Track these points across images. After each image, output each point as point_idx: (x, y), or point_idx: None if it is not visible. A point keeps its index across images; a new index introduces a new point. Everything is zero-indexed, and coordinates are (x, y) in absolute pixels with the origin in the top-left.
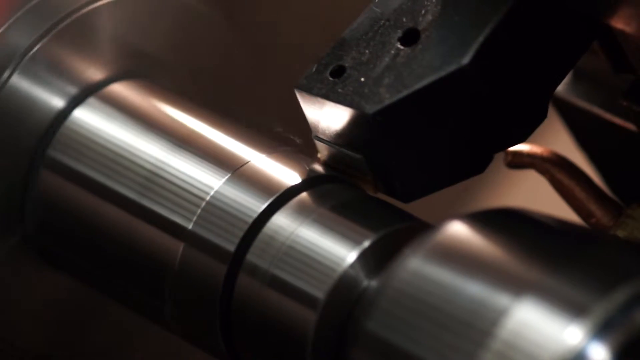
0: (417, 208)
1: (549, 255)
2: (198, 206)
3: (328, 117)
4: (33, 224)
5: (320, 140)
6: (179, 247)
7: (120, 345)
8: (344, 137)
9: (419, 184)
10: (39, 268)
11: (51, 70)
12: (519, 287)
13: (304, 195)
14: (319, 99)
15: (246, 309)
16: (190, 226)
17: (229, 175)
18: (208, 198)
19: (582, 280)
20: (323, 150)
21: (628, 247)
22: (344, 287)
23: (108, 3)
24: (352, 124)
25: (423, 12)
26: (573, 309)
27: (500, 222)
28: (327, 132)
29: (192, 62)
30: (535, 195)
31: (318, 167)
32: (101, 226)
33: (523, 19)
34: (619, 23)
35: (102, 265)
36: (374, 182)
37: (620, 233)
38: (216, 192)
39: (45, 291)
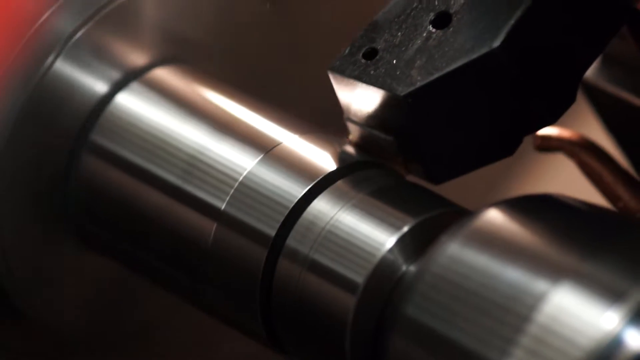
0: (455, 194)
1: (586, 241)
2: (231, 187)
3: (360, 98)
4: (75, 207)
5: (352, 122)
6: (212, 227)
7: (157, 329)
8: (376, 119)
9: (449, 165)
10: (80, 251)
11: (94, 55)
12: (556, 272)
13: (343, 180)
14: (352, 81)
15: (286, 293)
16: (223, 206)
17: (262, 155)
18: (241, 179)
19: (618, 266)
20: (354, 132)
21: None
22: (383, 272)
23: None
24: (384, 106)
25: None
26: (610, 294)
27: (538, 208)
28: (358, 114)
29: (234, 48)
30: (567, 180)
31: (351, 150)
32: (141, 209)
33: (554, 3)
34: None
35: (143, 248)
36: (404, 164)
37: None
38: (249, 172)
39: (85, 274)
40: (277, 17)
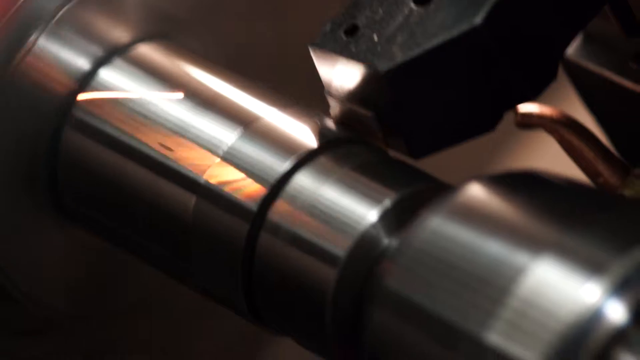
0: (438, 170)
1: (568, 216)
2: (211, 160)
3: (341, 74)
4: (58, 183)
5: (333, 97)
6: (192, 200)
7: (142, 305)
8: (356, 95)
9: (429, 140)
10: (62, 226)
11: (77, 32)
12: (537, 246)
13: (325, 156)
14: (333, 57)
15: (268, 267)
16: (203, 180)
17: (242, 129)
18: (221, 153)
19: (599, 239)
20: (335, 107)
21: None
22: (365, 246)
23: None
24: (364, 82)
25: None
26: (590, 267)
27: (520, 184)
28: (339, 89)
29: (216, 25)
30: (553, 158)
31: (332, 125)
32: (124, 184)
33: None
34: None
35: (125, 223)
36: (384, 139)
37: (627, 192)
38: (230, 147)
39: (68, 249)
40: None
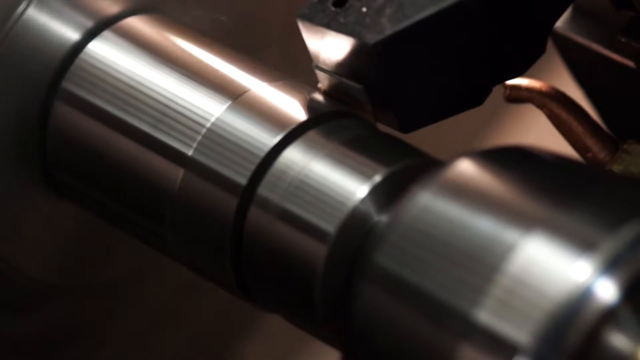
0: (428, 145)
1: (558, 193)
2: (198, 133)
3: (329, 47)
4: (47, 155)
5: (321, 69)
6: (179, 173)
7: (131, 277)
8: (345, 67)
9: (418, 114)
10: (52, 199)
11: (67, 4)
12: (527, 223)
13: (315, 130)
14: (321, 29)
15: (257, 242)
16: (190, 152)
17: (230, 102)
18: (209, 125)
19: (590, 217)
20: (324, 80)
21: (637, 186)
22: (355, 221)
23: None
24: (353, 54)
25: None
26: (581, 245)
27: (511, 160)
28: (328, 62)
29: None
30: (539, 132)
31: (321, 99)
32: (112, 157)
33: None
34: None
35: (113, 196)
36: (373, 112)
37: (616, 168)
38: (217, 119)
39: (57, 222)
40: None
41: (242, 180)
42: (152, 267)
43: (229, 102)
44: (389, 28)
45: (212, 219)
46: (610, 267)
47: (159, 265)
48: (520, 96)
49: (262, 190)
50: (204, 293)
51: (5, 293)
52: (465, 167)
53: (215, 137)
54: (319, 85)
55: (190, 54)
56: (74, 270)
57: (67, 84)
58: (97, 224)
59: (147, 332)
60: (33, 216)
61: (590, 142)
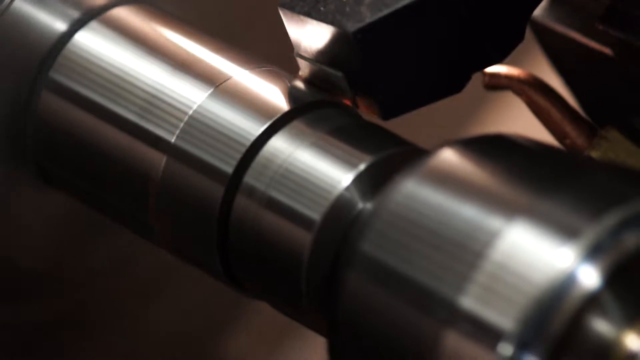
0: (413, 135)
1: (542, 180)
2: (180, 120)
3: (310, 35)
4: (35, 145)
5: (302, 57)
6: (161, 160)
7: (120, 265)
8: (325, 55)
9: (398, 101)
10: (40, 188)
11: None
12: (511, 210)
13: (300, 119)
14: (302, 17)
15: (243, 230)
16: (173, 139)
17: (212, 90)
18: (191, 112)
19: (573, 204)
20: (304, 68)
21: (618, 173)
22: (340, 209)
23: None
24: (333, 42)
25: None
26: (564, 231)
27: (494, 148)
28: (308, 50)
29: None
30: (518, 120)
31: (303, 86)
32: (98, 145)
33: None
34: None
35: (99, 185)
36: (353, 99)
37: (594, 154)
38: (200, 106)
39: (46, 211)
40: None
41: (229, 169)
42: (141, 255)
43: (211, 90)
44: (368, 16)
45: (198, 206)
46: (592, 253)
47: (147, 253)
48: (499, 83)
49: (248, 178)
50: (192, 282)
51: None
52: (449, 156)
53: (198, 125)
54: (300, 72)
55: (175, 44)
56: (62, 257)
57: (55, 74)
58: (86, 213)
59: (137, 316)
60: (23, 205)
61: (569, 129)
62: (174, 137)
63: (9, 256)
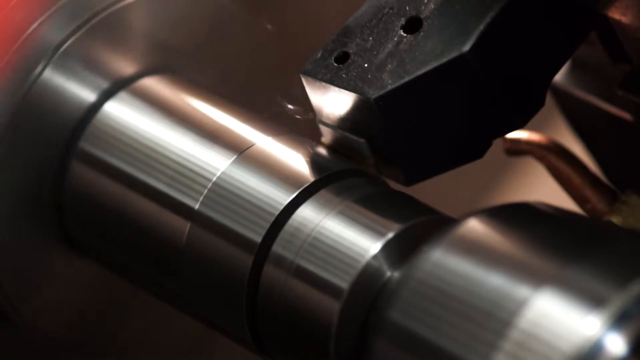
0: (437, 201)
1: (567, 249)
2: (204, 187)
3: (332, 101)
4: (64, 214)
5: (325, 124)
6: (185, 227)
7: (145, 336)
8: (347, 122)
9: (420, 167)
10: (69, 256)
11: (83, 65)
12: (538, 279)
13: (327, 188)
14: (324, 84)
15: (272, 299)
16: (196, 206)
17: (236, 156)
18: (214, 179)
19: (599, 272)
20: (327, 134)
21: None
22: (368, 278)
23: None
24: (355, 109)
25: (426, 1)
26: (591, 300)
27: (519, 217)
28: (331, 116)
29: (221, 58)
30: (540, 186)
31: (326, 154)
32: (126, 214)
33: (523, 8)
34: (616, 13)
35: (128, 253)
36: (376, 166)
37: (615, 219)
38: (223, 173)
39: (75, 279)
40: (264, 28)
41: (257, 238)
42: (170, 317)
43: (235, 156)
44: (390, 83)
45: (225, 274)
46: (619, 321)
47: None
48: (520, 149)
49: (277, 247)
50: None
51: (22, 349)
52: (475, 225)
53: (222, 191)
54: (322, 139)
55: (201, 113)
56: (89, 327)
57: (84, 144)
58: (114, 281)
59: None
60: (51, 273)
61: (589, 193)
62: (198, 204)
63: (36, 324)
